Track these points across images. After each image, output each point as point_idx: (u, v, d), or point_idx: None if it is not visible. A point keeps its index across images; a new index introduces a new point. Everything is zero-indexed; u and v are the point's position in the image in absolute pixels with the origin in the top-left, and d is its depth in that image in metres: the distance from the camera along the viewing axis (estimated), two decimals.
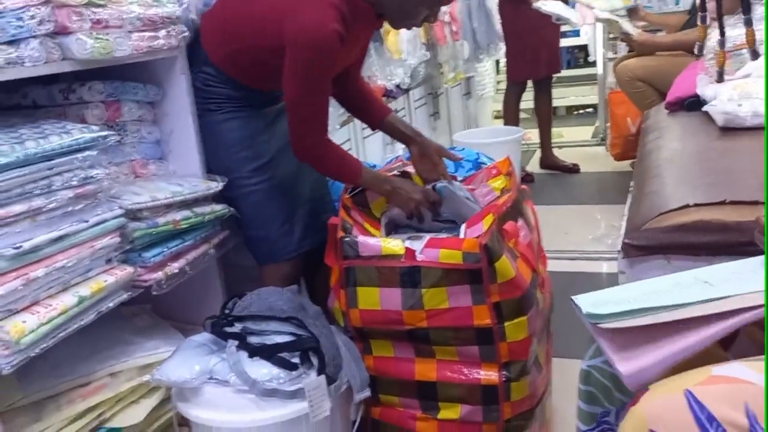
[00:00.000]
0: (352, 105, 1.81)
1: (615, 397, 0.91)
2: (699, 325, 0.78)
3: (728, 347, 0.80)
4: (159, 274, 1.37)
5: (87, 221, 1.24)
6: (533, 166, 4.20)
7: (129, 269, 1.32)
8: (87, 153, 1.24)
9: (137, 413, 1.34)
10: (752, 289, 0.81)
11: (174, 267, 1.41)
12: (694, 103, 2.01)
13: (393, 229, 1.70)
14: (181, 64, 1.57)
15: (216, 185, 1.56)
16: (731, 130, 1.72)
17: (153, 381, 1.27)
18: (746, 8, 1.92)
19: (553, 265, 2.63)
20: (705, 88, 1.92)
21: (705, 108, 1.82)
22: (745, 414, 0.68)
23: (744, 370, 0.72)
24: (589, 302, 0.91)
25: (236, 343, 1.27)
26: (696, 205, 1.25)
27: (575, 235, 2.98)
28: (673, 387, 0.74)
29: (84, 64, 1.30)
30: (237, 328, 1.32)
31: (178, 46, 1.54)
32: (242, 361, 1.24)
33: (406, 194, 1.60)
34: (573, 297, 0.95)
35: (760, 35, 1.95)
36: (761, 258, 0.95)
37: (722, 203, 1.23)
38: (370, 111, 1.79)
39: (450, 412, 1.43)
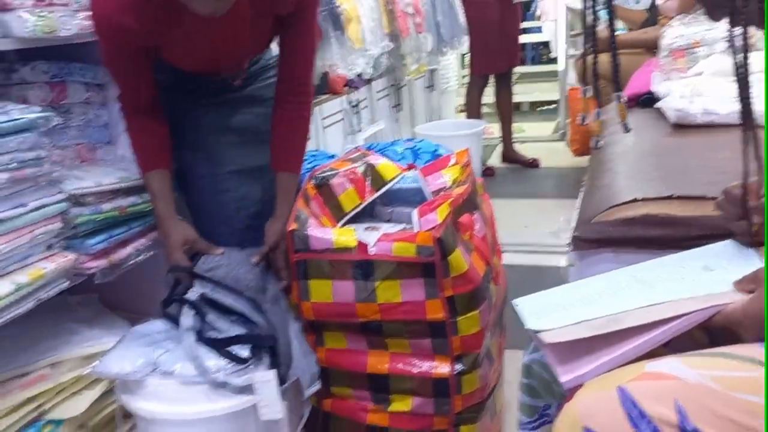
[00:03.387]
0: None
1: (555, 391, 0.91)
2: (639, 332, 0.78)
3: (668, 344, 0.81)
4: (103, 262, 1.33)
5: (26, 205, 1.19)
6: (495, 159, 4.23)
7: (70, 256, 1.27)
8: (26, 135, 1.19)
9: (79, 405, 1.30)
10: (691, 293, 0.82)
11: (119, 255, 1.37)
12: (648, 100, 2.05)
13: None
14: None
15: None
16: (683, 126, 1.75)
17: (94, 374, 1.23)
18: None
19: (511, 259, 2.65)
20: (659, 85, 1.95)
21: (658, 105, 1.85)
22: (675, 410, 0.68)
23: (677, 366, 0.72)
24: (530, 311, 0.90)
25: (193, 337, 1.23)
26: (644, 199, 1.26)
27: (534, 229, 3.01)
28: (607, 383, 0.74)
29: (25, 42, 1.25)
30: (196, 293, 1.28)
31: None
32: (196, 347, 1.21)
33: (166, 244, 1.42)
34: (514, 301, 0.94)
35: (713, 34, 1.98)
36: (700, 250, 0.95)
37: (670, 198, 1.25)
38: (273, 153, 1.51)
39: (401, 404, 1.42)
